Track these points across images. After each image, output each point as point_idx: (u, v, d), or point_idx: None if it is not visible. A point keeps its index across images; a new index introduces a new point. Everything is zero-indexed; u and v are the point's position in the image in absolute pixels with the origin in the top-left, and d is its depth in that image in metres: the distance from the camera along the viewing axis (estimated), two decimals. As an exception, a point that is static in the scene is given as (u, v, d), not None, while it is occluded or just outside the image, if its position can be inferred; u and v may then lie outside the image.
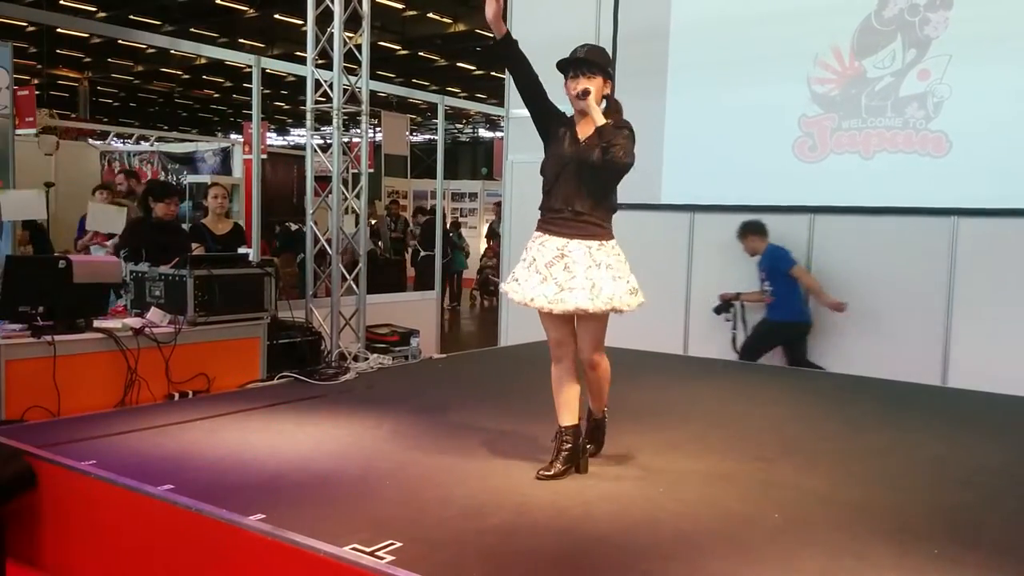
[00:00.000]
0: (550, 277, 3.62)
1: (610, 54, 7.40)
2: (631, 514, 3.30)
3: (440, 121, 9.16)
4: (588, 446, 3.90)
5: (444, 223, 11.69)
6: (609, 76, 3.77)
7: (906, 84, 6.22)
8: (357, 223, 6.86)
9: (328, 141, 6.70)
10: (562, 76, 3.72)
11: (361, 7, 6.57)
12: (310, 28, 6.54)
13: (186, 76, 26.27)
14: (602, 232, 3.69)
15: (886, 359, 6.19)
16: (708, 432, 4.63)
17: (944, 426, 4.93)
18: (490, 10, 3.54)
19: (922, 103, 6.16)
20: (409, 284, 13.91)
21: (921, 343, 6.15)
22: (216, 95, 29.72)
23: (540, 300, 3.61)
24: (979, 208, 5.96)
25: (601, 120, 3.63)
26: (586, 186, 3.67)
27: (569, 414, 3.77)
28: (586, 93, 3.61)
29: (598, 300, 3.56)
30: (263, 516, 3.07)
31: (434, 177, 10.17)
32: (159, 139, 14.92)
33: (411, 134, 23.79)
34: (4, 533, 3.80)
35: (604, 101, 3.76)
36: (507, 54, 3.74)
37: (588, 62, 3.69)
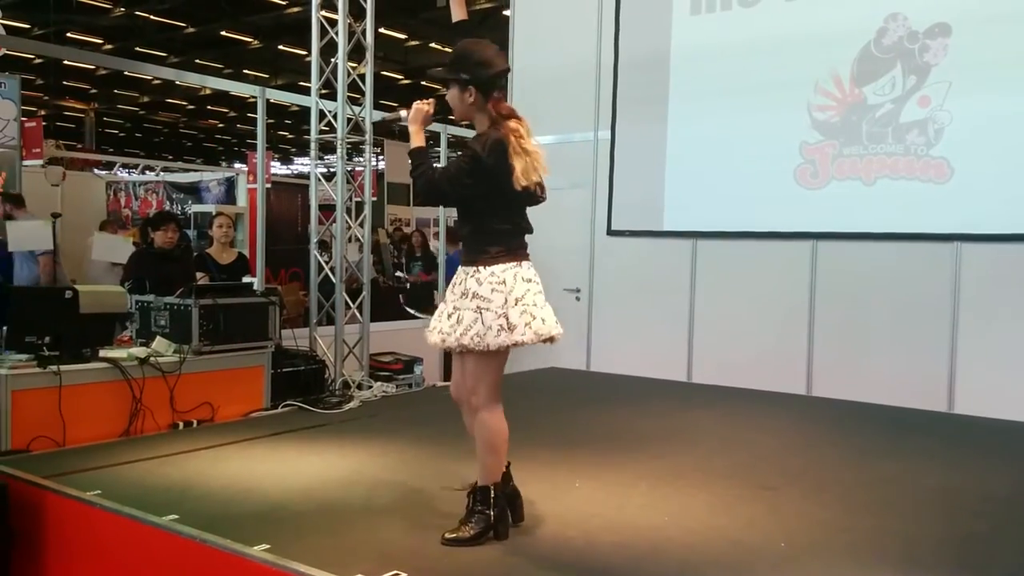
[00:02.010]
0: (443, 312, 3.35)
1: (612, 81, 7.56)
2: (636, 545, 3.28)
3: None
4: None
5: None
6: (469, 81, 3.26)
7: (906, 111, 6.25)
8: (361, 251, 6.88)
9: (332, 170, 6.74)
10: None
11: (365, 38, 6.64)
12: (314, 59, 6.60)
13: (191, 106, 26.52)
14: (481, 258, 3.26)
15: (891, 386, 6.17)
16: (713, 460, 4.61)
17: (951, 454, 4.91)
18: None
19: (923, 129, 6.19)
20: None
21: (926, 370, 6.13)
22: (220, 125, 29.97)
23: (434, 337, 3.33)
24: (982, 234, 5.96)
25: (413, 142, 3.34)
26: (463, 212, 3.39)
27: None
28: (392, 120, 3.42)
29: (455, 334, 3.21)
30: (267, 546, 3.06)
31: (436, 205, 10.20)
32: (164, 169, 15.00)
33: (414, 162, 23.90)
34: (9, 562, 3.79)
35: (492, 113, 3.29)
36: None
37: (435, 76, 3.46)
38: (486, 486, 3.28)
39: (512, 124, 3.26)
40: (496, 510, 3.27)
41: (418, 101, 3.34)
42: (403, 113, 3.40)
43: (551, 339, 3.26)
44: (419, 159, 3.28)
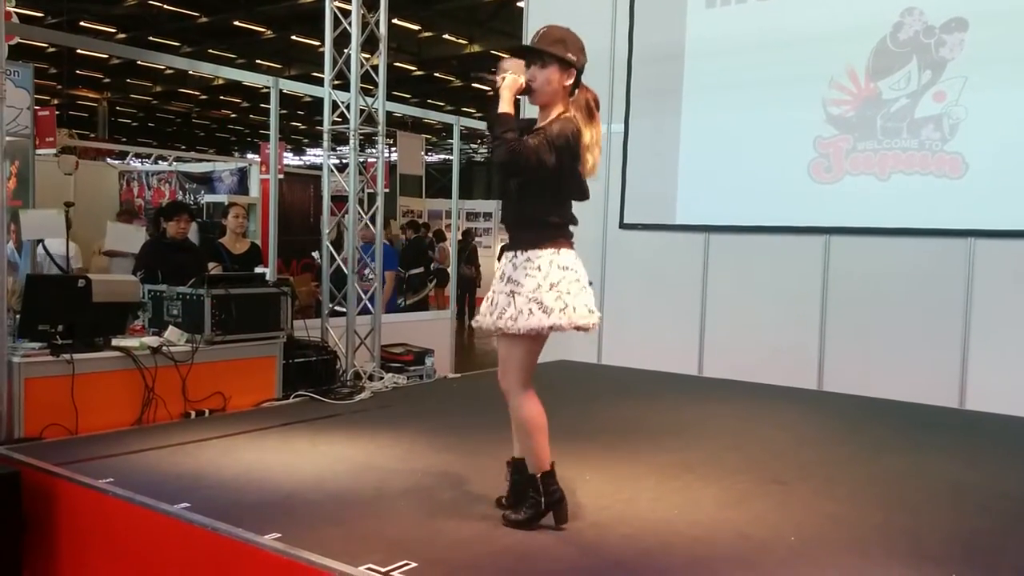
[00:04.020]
0: (492, 296, 3.39)
1: (626, 75, 7.54)
2: (645, 538, 3.28)
3: (455, 141, 9.19)
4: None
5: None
6: (569, 63, 3.29)
7: (922, 106, 6.21)
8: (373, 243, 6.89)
9: (344, 161, 6.74)
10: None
11: (378, 29, 6.63)
12: (327, 50, 6.60)
13: (204, 96, 26.54)
14: (523, 242, 3.29)
15: (903, 382, 6.15)
16: (723, 454, 4.61)
17: (962, 450, 4.89)
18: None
19: (938, 125, 6.15)
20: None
21: (938, 365, 6.10)
22: (233, 115, 29.99)
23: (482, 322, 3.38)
24: (996, 230, 5.93)
25: (503, 107, 3.21)
26: (511, 192, 3.37)
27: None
28: (478, 77, 3.36)
29: (489, 318, 3.29)
30: (279, 535, 3.08)
31: (449, 197, 10.20)
32: (177, 159, 15.04)
33: (426, 154, 23.92)
34: (22, 549, 3.82)
35: (574, 93, 3.33)
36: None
37: (529, 50, 3.32)
38: (532, 475, 3.32)
39: (597, 117, 3.36)
40: (546, 497, 3.30)
41: (513, 73, 3.25)
42: (499, 78, 3.28)
43: (584, 328, 3.25)
44: (506, 124, 3.18)
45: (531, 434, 3.30)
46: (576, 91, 3.34)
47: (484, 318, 3.36)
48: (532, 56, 3.31)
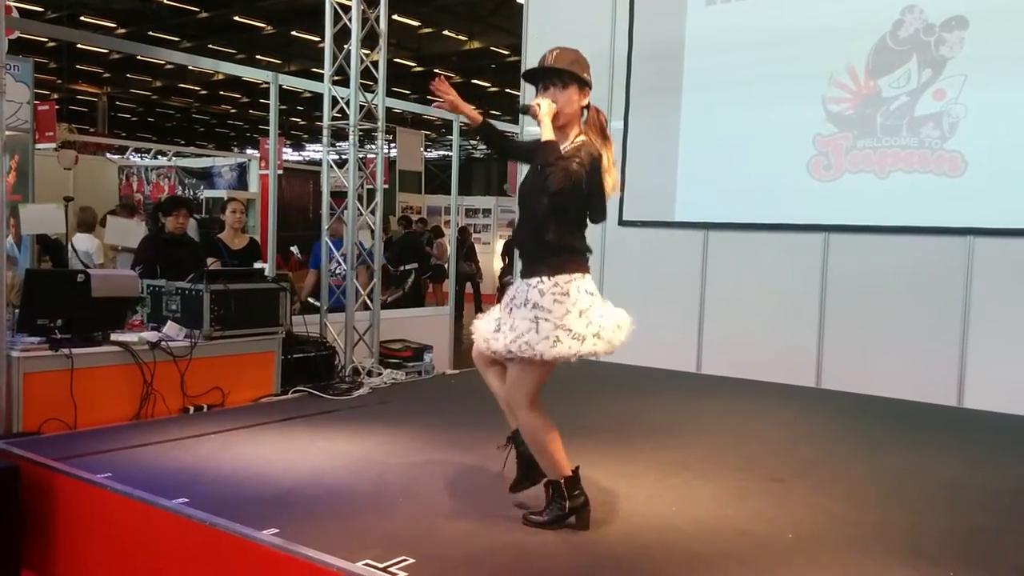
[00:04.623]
0: (502, 319, 3.33)
1: (626, 71, 7.54)
2: (643, 534, 3.29)
3: (455, 137, 9.19)
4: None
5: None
6: (585, 83, 3.33)
7: (921, 104, 6.20)
8: (372, 238, 6.89)
9: (344, 157, 6.74)
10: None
11: (378, 25, 6.62)
12: (327, 45, 6.59)
13: (204, 92, 26.52)
14: (549, 267, 3.21)
15: (902, 379, 6.15)
16: (721, 451, 4.61)
17: (961, 447, 4.90)
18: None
19: (937, 123, 6.14)
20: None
21: (937, 363, 6.10)
22: (233, 110, 29.97)
23: (482, 340, 3.37)
24: (995, 228, 5.93)
25: (546, 136, 3.21)
26: (529, 221, 3.35)
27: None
28: (524, 110, 3.29)
29: (515, 344, 3.16)
30: (276, 530, 3.08)
31: (448, 193, 10.20)
32: (176, 154, 15.04)
33: (426, 150, 23.92)
34: (20, 544, 3.82)
35: (584, 113, 3.37)
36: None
37: (556, 71, 3.29)
38: (555, 480, 3.32)
39: (610, 137, 3.38)
40: (570, 501, 3.31)
41: (547, 101, 3.26)
42: (535, 105, 3.29)
43: (623, 343, 3.30)
44: (556, 151, 3.19)
45: (545, 446, 3.29)
46: (586, 112, 3.36)
47: (495, 341, 3.27)
48: (554, 77, 3.30)
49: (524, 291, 3.22)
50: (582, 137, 3.30)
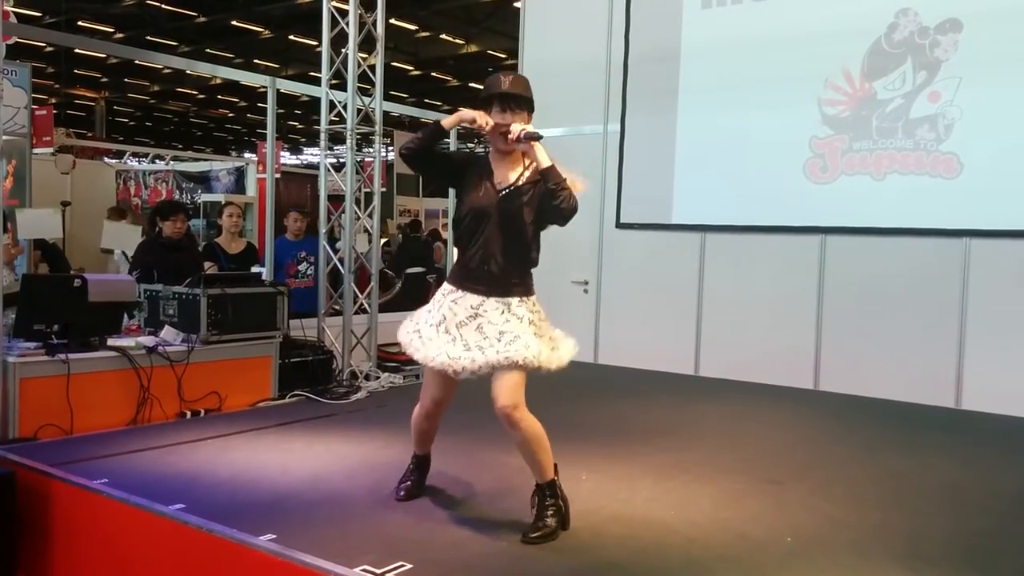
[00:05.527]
0: (459, 338, 3.30)
1: (623, 75, 7.55)
2: (641, 538, 3.28)
3: (452, 141, 9.18)
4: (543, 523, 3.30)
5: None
6: (533, 109, 3.42)
7: (917, 106, 6.21)
8: (370, 242, 6.89)
9: (341, 160, 6.74)
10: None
11: (375, 29, 6.63)
12: (325, 50, 6.59)
13: (201, 96, 26.53)
14: (523, 289, 3.36)
15: (899, 381, 6.15)
16: (719, 453, 4.61)
17: (959, 449, 4.90)
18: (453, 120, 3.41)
19: (933, 125, 6.15)
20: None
21: (934, 365, 6.11)
22: (231, 114, 29.97)
23: (442, 358, 3.30)
24: (991, 229, 5.93)
25: (547, 161, 3.26)
26: (510, 240, 3.33)
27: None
28: (532, 137, 3.26)
29: (527, 352, 3.21)
30: (273, 536, 3.08)
31: (446, 196, 10.19)
32: (174, 158, 15.04)
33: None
34: (16, 550, 3.81)
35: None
36: (424, 157, 3.46)
37: (515, 96, 3.35)
38: (550, 480, 3.34)
39: None
40: (563, 500, 3.37)
41: (517, 121, 3.33)
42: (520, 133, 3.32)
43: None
44: (559, 176, 3.27)
45: (543, 444, 3.31)
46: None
47: (474, 359, 3.25)
48: (520, 103, 3.37)
49: (502, 310, 3.31)
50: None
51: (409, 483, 3.74)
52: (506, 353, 3.21)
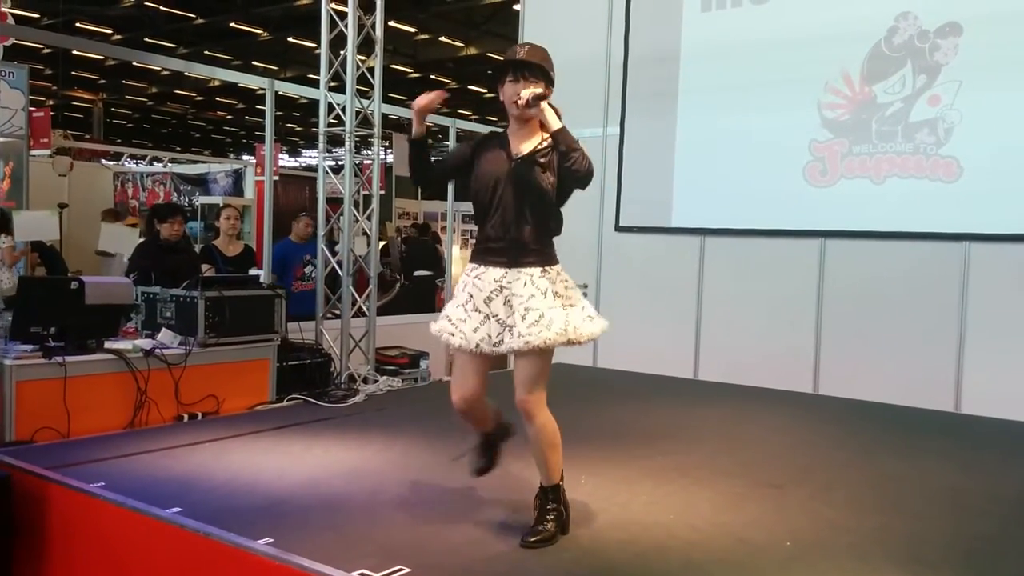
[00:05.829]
0: (491, 316, 3.20)
1: (622, 77, 7.55)
2: (641, 542, 3.27)
3: (451, 143, 9.18)
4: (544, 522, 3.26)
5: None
6: (552, 81, 3.29)
7: (916, 110, 6.21)
8: (369, 244, 6.87)
9: (340, 163, 6.72)
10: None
11: (374, 31, 6.62)
12: (323, 52, 6.58)
13: (200, 98, 26.50)
14: (544, 258, 3.24)
15: (898, 385, 6.14)
16: (718, 457, 4.59)
17: (958, 453, 4.89)
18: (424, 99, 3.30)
19: (933, 129, 6.15)
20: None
21: (934, 369, 6.10)
22: (229, 117, 29.95)
23: (485, 345, 3.21)
24: (991, 233, 5.93)
25: (557, 124, 3.16)
26: (527, 208, 3.22)
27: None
28: (540, 98, 3.16)
29: (548, 332, 3.10)
30: (271, 540, 3.06)
31: (444, 199, 10.19)
32: (172, 160, 15.01)
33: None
34: (12, 554, 3.79)
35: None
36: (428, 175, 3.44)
37: (529, 64, 3.24)
38: (556, 484, 3.29)
39: None
40: (564, 505, 3.32)
41: (533, 87, 3.21)
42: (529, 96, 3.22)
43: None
44: (570, 137, 3.17)
45: (556, 445, 3.27)
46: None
47: (519, 337, 3.13)
48: (533, 70, 3.25)
49: (527, 282, 3.17)
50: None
51: (482, 461, 3.63)
52: (527, 337, 3.10)
